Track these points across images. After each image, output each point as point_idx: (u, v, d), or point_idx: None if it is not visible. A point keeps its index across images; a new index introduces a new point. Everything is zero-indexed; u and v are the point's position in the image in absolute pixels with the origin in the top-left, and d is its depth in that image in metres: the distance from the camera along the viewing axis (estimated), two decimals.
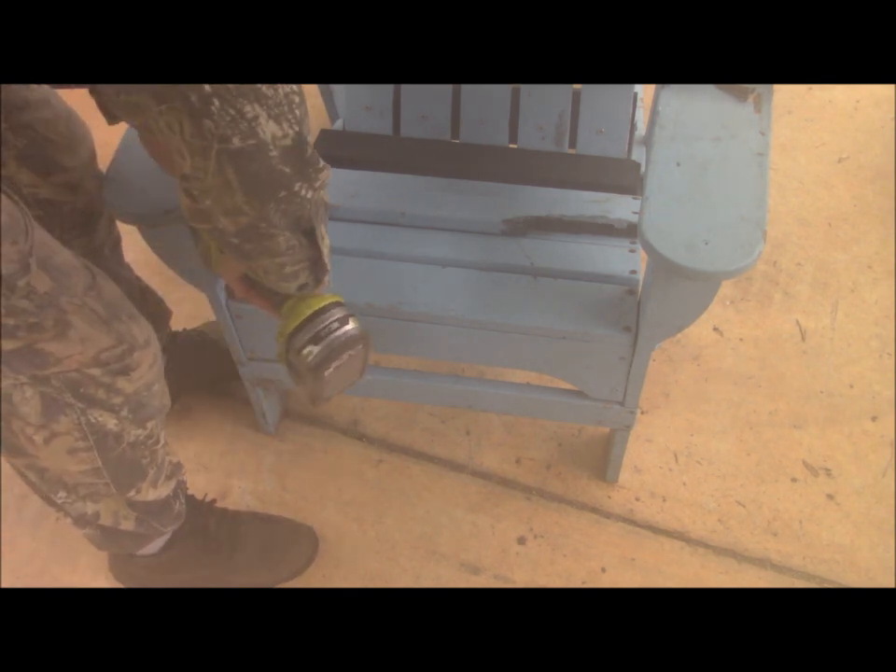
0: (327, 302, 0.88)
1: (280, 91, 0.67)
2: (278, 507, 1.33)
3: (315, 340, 0.86)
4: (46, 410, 0.87)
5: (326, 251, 0.84)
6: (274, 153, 0.70)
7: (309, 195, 0.75)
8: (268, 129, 0.68)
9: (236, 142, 0.67)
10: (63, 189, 1.00)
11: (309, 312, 0.87)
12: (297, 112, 0.70)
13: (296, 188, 0.74)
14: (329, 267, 0.86)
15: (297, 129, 0.70)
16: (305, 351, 0.86)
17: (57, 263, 0.79)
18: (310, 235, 0.80)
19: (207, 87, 0.64)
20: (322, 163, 0.76)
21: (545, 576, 1.26)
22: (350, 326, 0.88)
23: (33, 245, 0.75)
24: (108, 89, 0.70)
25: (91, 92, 0.75)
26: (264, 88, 0.66)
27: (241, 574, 1.22)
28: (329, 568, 1.27)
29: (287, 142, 0.70)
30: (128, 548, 1.13)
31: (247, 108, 0.66)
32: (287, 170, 0.72)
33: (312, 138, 0.75)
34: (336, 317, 0.87)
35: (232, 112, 0.65)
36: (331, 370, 0.87)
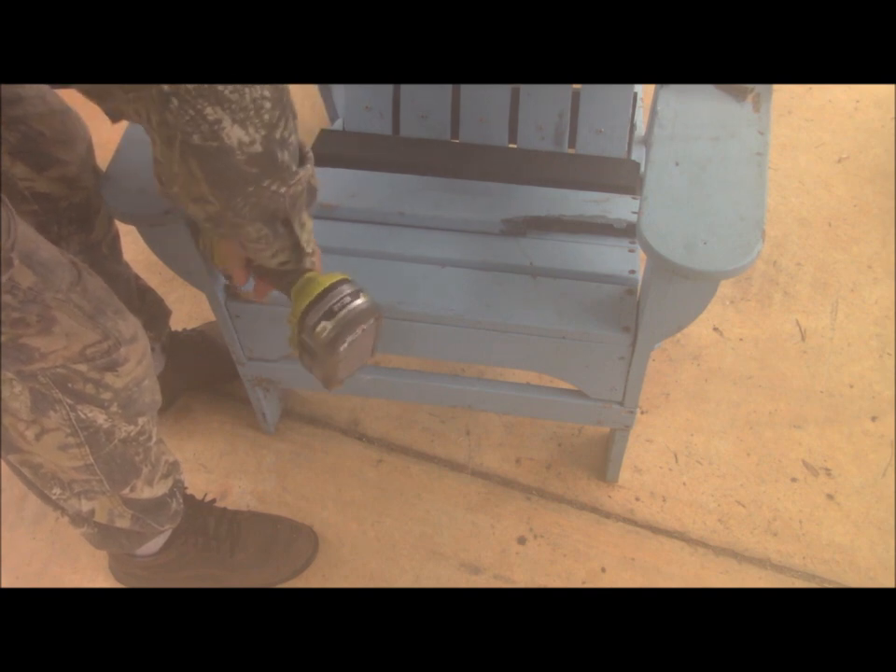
0: (336, 279, 0.88)
1: (247, 95, 0.66)
2: (278, 507, 1.33)
3: (328, 315, 0.86)
4: (35, 405, 0.87)
5: (305, 237, 0.85)
6: (241, 157, 0.69)
7: (282, 190, 0.75)
8: (233, 134, 0.67)
9: (196, 139, 0.67)
10: (60, 183, 1.00)
11: (319, 290, 0.87)
12: (265, 117, 0.68)
13: (265, 183, 0.73)
14: (307, 251, 0.87)
15: (264, 133, 0.69)
16: (319, 328, 0.86)
17: (41, 259, 0.79)
18: (287, 226, 0.81)
19: (165, 86, 0.64)
20: (296, 167, 0.75)
21: (545, 576, 1.26)
22: (361, 300, 0.88)
23: (15, 241, 0.75)
24: None
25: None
26: (227, 91, 0.65)
27: (241, 574, 1.22)
28: (328, 568, 1.27)
29: (257, 148, 0.69)
30: (126, 547, 1.13)
31: (208, 111, 0.65)
32: (255, 171, 0.71)
33: (295, 139, 0.74)
34: (347, 293, 0.87)
35: (192, 112, 0.65)
36: (346, 345, 0.87)
